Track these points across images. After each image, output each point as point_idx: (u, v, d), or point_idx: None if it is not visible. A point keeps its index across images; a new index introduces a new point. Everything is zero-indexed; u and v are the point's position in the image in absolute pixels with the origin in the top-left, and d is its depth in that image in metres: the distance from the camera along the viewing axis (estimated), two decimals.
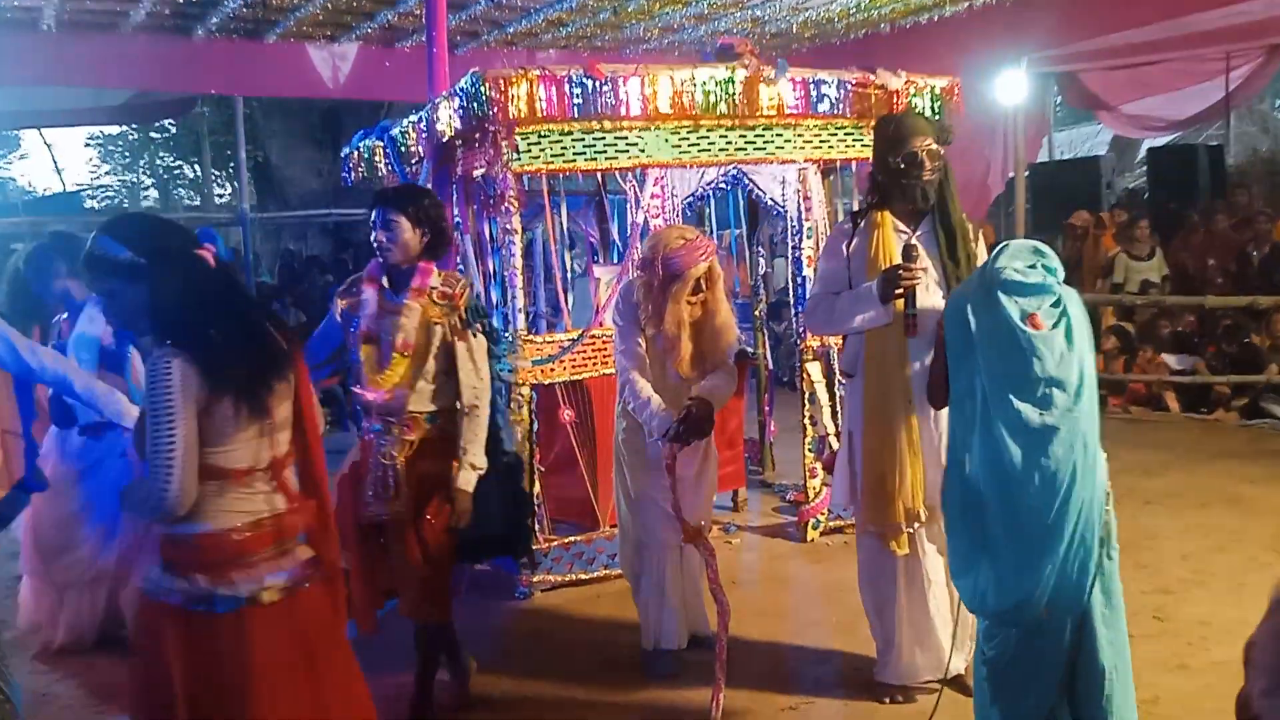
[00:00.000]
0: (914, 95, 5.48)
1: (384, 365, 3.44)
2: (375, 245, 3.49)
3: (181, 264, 2.34)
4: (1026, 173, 10.28)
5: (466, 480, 3.43)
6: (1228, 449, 6.97)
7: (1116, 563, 2.75)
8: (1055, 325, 2.64)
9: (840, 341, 4.38)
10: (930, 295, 3.44)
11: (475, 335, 3.48)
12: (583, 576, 4.92)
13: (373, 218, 3.48)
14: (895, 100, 5.41)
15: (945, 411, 3.42)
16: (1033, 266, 2.67)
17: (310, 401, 2.50)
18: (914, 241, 3.45)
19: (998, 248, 2.75)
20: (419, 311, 3.44)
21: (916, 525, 3.49)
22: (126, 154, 25.15)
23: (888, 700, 3.63)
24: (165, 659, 2.30)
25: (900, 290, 3.36)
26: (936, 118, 5.48)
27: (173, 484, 2.20)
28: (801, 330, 5.41)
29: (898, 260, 3.42)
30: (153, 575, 2.36)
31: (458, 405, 3.46)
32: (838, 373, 4.79)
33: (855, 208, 4.46)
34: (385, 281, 3.53)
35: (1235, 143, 13.16)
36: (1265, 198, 10.47)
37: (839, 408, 5.33)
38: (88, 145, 24.90)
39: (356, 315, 3.52)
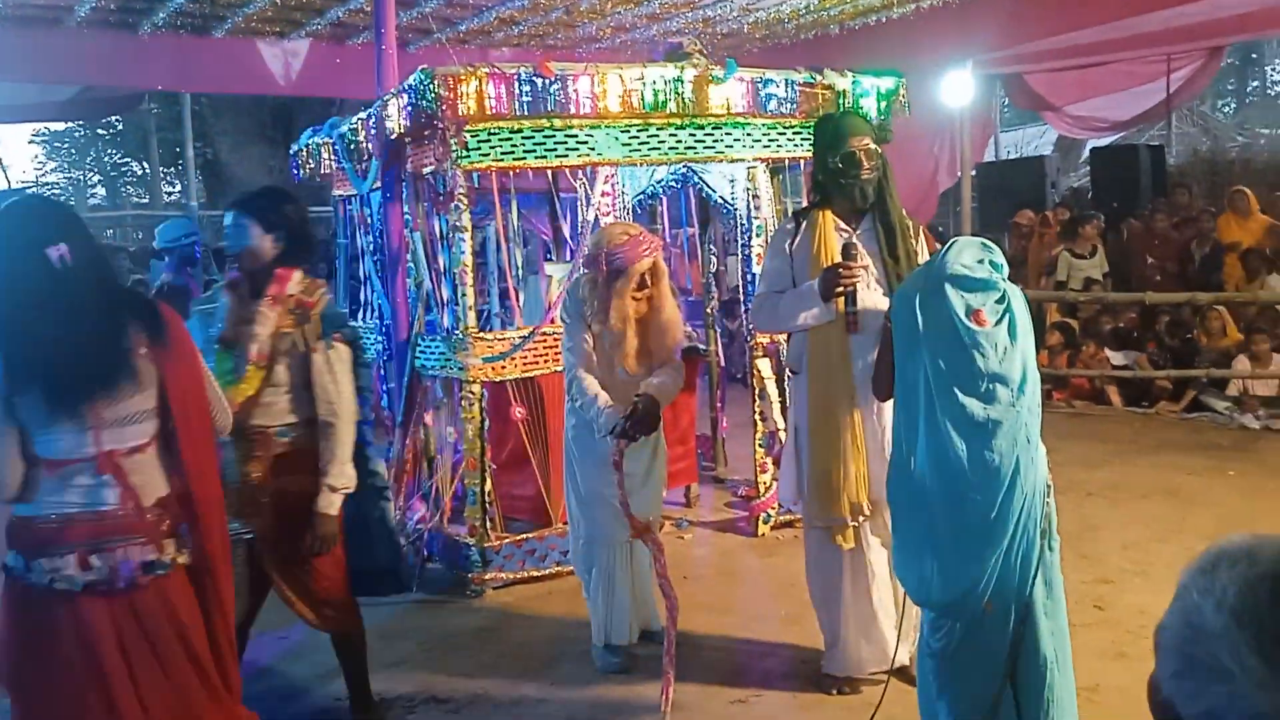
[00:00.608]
0: (861, 95, 5.55)
1: (239, 376, 3.23)
2: (225, 249, 3.36)
3: (11, 261, 2.45)
4: (973, 172, 10.43)
5: (328, 502, 3.24)
6: (1168, 442, 7.12)
7: (1058, 554, 2.79)
8: (999, 322, 2.68)
9: (787, 338, 4.43)
10: (871, 293, 3.49)
11: (333, 346, 3.30)
12: (535, 573, 4.93)
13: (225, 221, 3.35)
14: (843, 100, 5.48)
15: (889, 406, 3.49)
16: (980, 262, 2.72)
17: (178, 397, 2.55)
18: (854, 240, 3.51)
19: (948, 244, 2.80)
20: (272, 320, 3.25)
21: (861, 519, 3.53)
22: (73, 151, 24.74)
23: (834, 692, 3.67)
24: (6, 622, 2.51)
25: (841, 288, 3.42)
26: (883, 118, 5.56)
27: None
28: (752, 327, 5.46)
29: (839, 259, 3.47)
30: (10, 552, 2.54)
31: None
32: (786, 369, 4.84)
33: (803, 205, 4.51)
34: (246, 288, 3.34)
35: (1176, 143, 13.45)
36: (1205, 197, 10.70)
37: (788, 403, 5.38)
38: (32, 142, 24.50)
39: (212, 323, 3.33)
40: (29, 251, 2.43)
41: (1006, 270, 2.76)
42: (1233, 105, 23.28)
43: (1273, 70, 24.41)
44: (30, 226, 2.47)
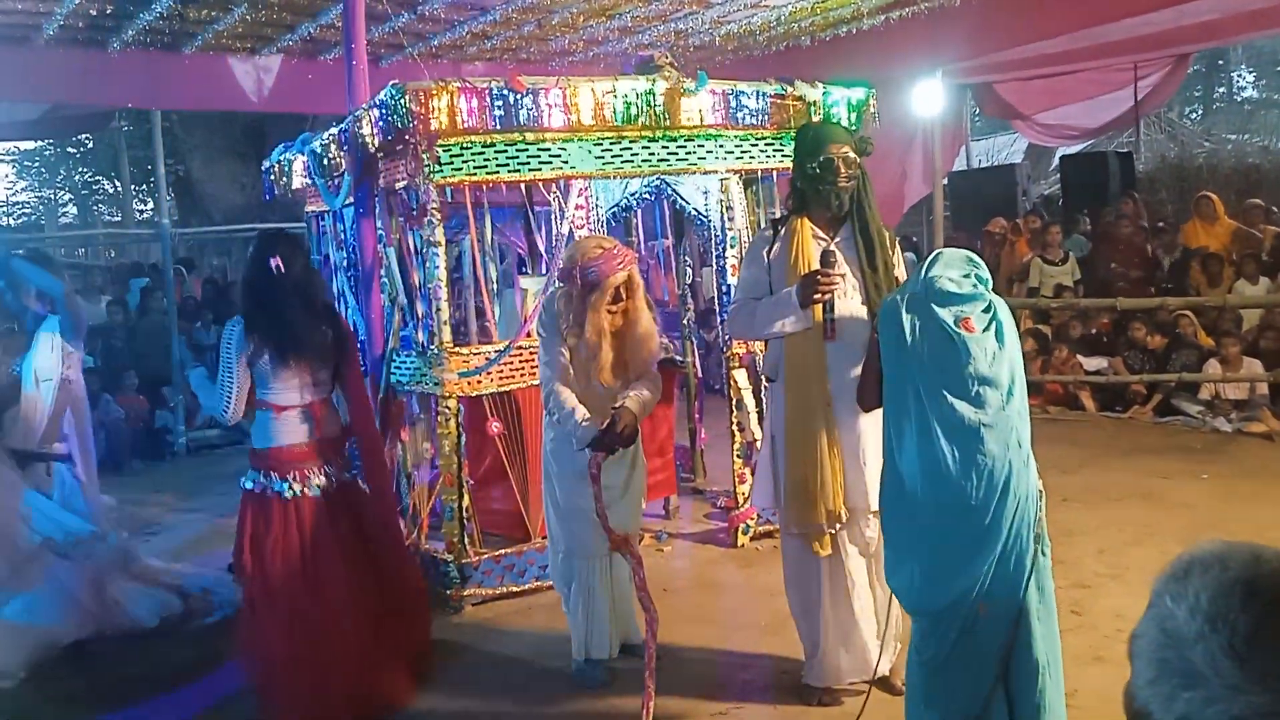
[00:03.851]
0: (832, 106, 5.58)
1: None
2: None
3: (250, 267, 3.84)
4: (945, 181, 10.49)
5: None
6: (1141, 446, 7.18)
7: (1050, 559, 2.82)
8: (986, 329, 2.73)
9: (764, 347, 4.44)
10: (849, 301, 3.51)
11: None
12: (514, 589, 4.90)
13: None
14: (814, 111, 5.51)
15: (864, 415, 3.50)
16: (966, 276, 2.77)
17: (345, 373, 3.90)
18: (832, 248, 3.52)
19: (932, 255, 2.83)
20: None
21: (838, 526, 3.54)
22: (43, 169, 24.51)
23: (816, 703, 3.67)
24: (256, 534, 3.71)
25: (819, 296, 3.43)
26: (854, 129, 5.59)
27: (230, 407, 3.71)
28: (728, 338, 5.47)
29: (817, 266, 3.49)
30: (249, 475, 3.81)
31: None
32: (762, 378, 4.86)
33: (777, 216, 4.53)
34: None
35: (1145, 149, 13.59)
36: (1174, 203, 10.82)
37: (765, 411, 5.39)
38: (1, 161, 24.21)
39: None
40: (261, 261, 3.70)
41: (990, 282, 2.82)
42: (1200, 112, 23.55)
43: (1239, 77, 24.73)
44: (261, 245, 3.76)
